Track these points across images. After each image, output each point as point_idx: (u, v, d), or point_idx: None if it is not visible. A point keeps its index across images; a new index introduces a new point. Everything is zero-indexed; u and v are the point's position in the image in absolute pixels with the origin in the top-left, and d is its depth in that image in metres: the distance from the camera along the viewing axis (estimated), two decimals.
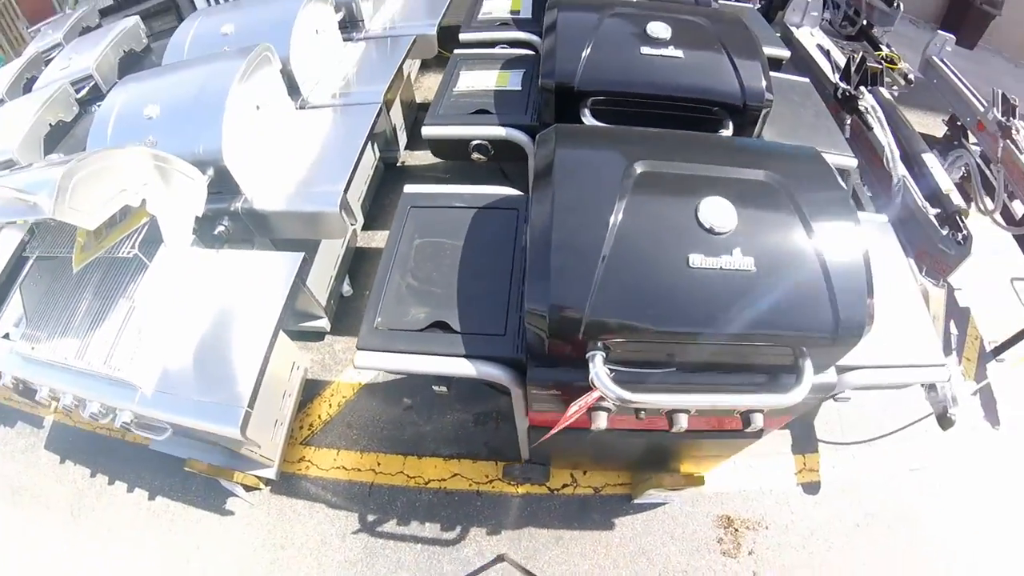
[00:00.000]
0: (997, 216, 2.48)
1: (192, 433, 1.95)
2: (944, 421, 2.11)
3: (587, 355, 1.16)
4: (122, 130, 1.98)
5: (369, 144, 2.66)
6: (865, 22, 3.28)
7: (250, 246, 2.17)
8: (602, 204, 1.18)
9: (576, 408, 1.28)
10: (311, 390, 2.52)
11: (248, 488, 2.25)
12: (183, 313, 1.80)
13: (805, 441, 2.40)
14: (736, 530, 2.19)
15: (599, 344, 1.16)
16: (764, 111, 1.78)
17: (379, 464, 2.35)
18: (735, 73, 1.77)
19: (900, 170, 2.17)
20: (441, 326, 1.46)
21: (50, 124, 2.40)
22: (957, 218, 2.08)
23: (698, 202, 1.17)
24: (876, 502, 2.28)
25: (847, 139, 2.40)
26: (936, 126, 3.51)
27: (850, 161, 1.97)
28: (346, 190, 2.00)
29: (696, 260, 1.11)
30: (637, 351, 1.20)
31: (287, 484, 2.31)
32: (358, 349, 1.43)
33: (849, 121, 2.41)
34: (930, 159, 2.27)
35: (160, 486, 2.35)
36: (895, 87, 2.87)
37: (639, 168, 1.24)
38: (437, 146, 2.04)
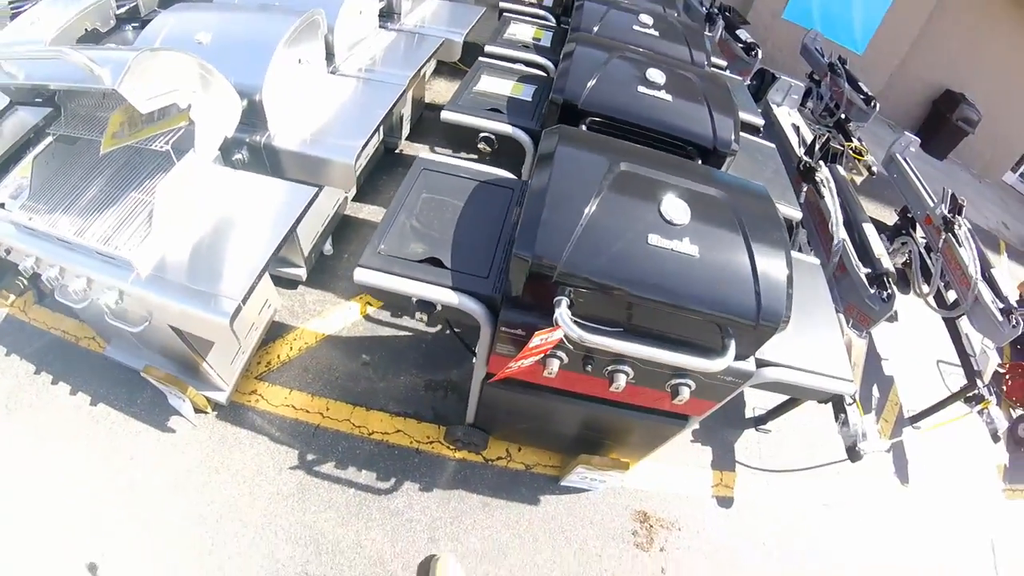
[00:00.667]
0: (931, 300, 2.96)
1: (157, 341, 2.07)
2: (853, 454, 2.46)
3: (555, 299, 1.45)
4: (171, 47, 2.17)
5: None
6: (843, 116, 3.89)
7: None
8: (588, 185, 1.51)
9: (539, 341, 1.51)
10: (275, 332, 2.66)
11: (196, 410, 2.34)
12: (194, 215, 1.95)
13: (724, 459, 2.70)
14: (651, 526, 2.42)
15: (567, 292, 1.45)
16: (729, 158, 2.17)
17: (328, 409, 2.48)
18: (711, 122, 2.16)
19: (841, 233, 2.61)
20: (434, 261, 1.70)
21: (86, 29, 2.53)
22: (885, 279, 2.51)
23: (662, 198, 1.51)
24: (785, 527, 2.57)
25: (801, 204, 2.87)
26: (889, 216, 4.18)
27: (795, 213, 2.38)
28: (363, 148, 2.25)
29: (654, 239, 1.44)
30: (596, 306, 1.48)
31: (234, 413, 2.40)
32: (359, 266, 1.64)
33: (805, 190, 2.87)
34: (869, 228, 2.74)
35: (105, 394, 2.39)
36: (857, 174, 3.42)
37: (621, 167, 1.58)
38: (452, 130, 2.34)
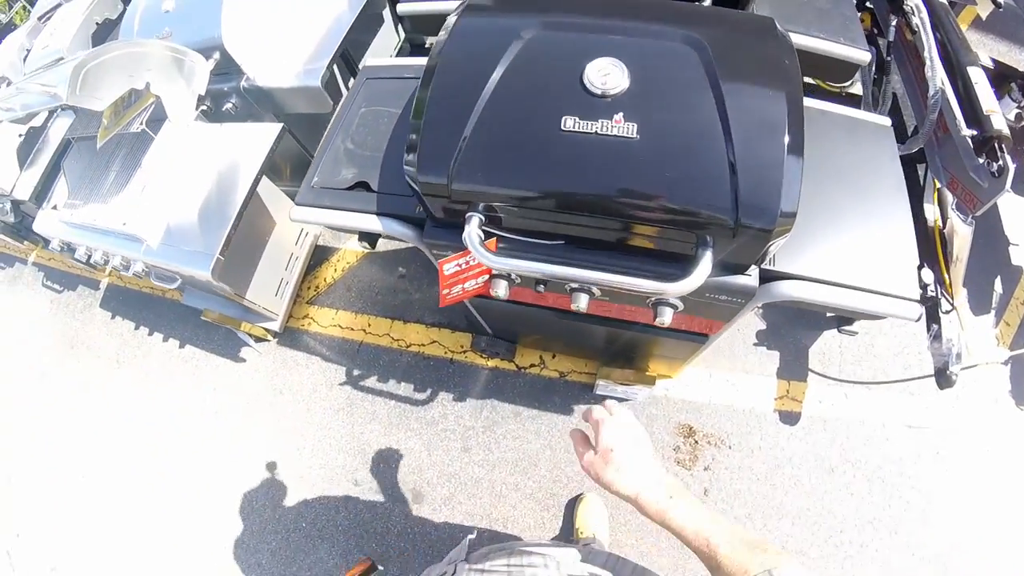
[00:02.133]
0: None
1: (204, 286, 2.33)
2: (943, 378, 1.92)
3: (465, 216, 1.22)
4: (145, 22, 2.29)
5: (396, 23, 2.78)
6: None
7: (261, 121, 2.42)
8: (484, 66, 1.18)
9: (455, 268, 1.36)
10: (320, 255, 2.85)
11: (258, 339, 2.67)
12: (183, 178, 2.11)
13: (794, 366, 2.31)
14: (696, 442, 2.23)
15: (478, 207, 1.21)
16: None
17: (369, 325, 2.65)
18: None
19: (939, 79, 1.87)
20: (364, 186, 1.60)
21: (96, 23, 2.72)
22: (996, 145, 1.78)
23: (586, 63, 1.11)
24: (861, 451, 2.17)
25: (892, 42, 2.10)
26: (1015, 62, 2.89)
27: (860, 54, 1.73)
28: (330, 67, 2.15)
29: (569, 123, 1.07)
30: (521, 219, 1.22)
31: (291, 337, 2.69)
32: (295, 204, 1.61)
33: (894, 23, 2.08)
34: (976, 74, 1.89)
35: (190, 337, 2.86)
36: (979, 5, 2.38)
37: (529, 32, 1.23)
38: (418, 23, 2.07)
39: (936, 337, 1.91)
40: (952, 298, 1.92)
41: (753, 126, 1.02)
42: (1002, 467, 2.12)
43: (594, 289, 1.42)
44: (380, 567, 1.46)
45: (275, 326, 2.59)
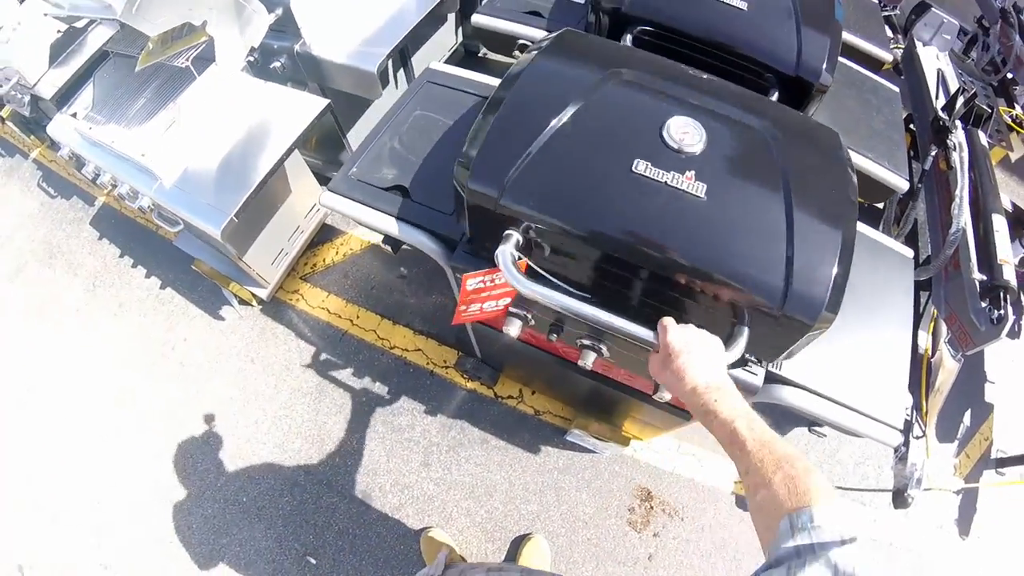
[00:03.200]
0: None
1: (205, 237, 2.28)
2: (900, 499, 2.01)
3: (504, 234, 1.17)
4: None
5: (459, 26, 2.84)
6: (1009, 75, 2.87)
7: (304, 88, 2.40)
8: (563, 93, 1.19)
9: (478, 284, 1.30)
10: (325, 235, 2.82)
11: (242, 302, 2.62)
12: (216, 126, 2.08)
13: None
14: (651, 507, 2.26)
15: (519, 227, 1.17)
16: (818, 91, 1.68)
17: (358, 317, 2.63)
18: (797, 39, 1.67)
19: (963, 218, 1.97)
20: (402, 190, 1.59)
21: None
22: (1001, 294, 1.88)
23: (668, 118, 1.13)
24: None
25: (927, 171, 2.19)
26: None
27: (899, 181, 1.81)
28: (389, 56, 2.14)
29: (641, 167, 1.08)
30: (562, 257, 1.20)
31: (276, 309, 2.65)
32: (327, 189, 1.59)
33: (934, 154, 2.18)
34: (999, 222, 2.02)
35: (173, 280, 2.79)
36: (1008, 148, 2.54)
37: (618, 74, 1.23)
38: (484, 36, 2.11)
39: (902, 459, 1.99)
40: (925, 426, 2.00)
41: (813, 224, 1.06)
42: None
43: (604, 349, 1.44)
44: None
45: (263, 293, 2.55)
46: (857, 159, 1.77)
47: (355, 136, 2.60)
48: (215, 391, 2.50)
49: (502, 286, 1.24)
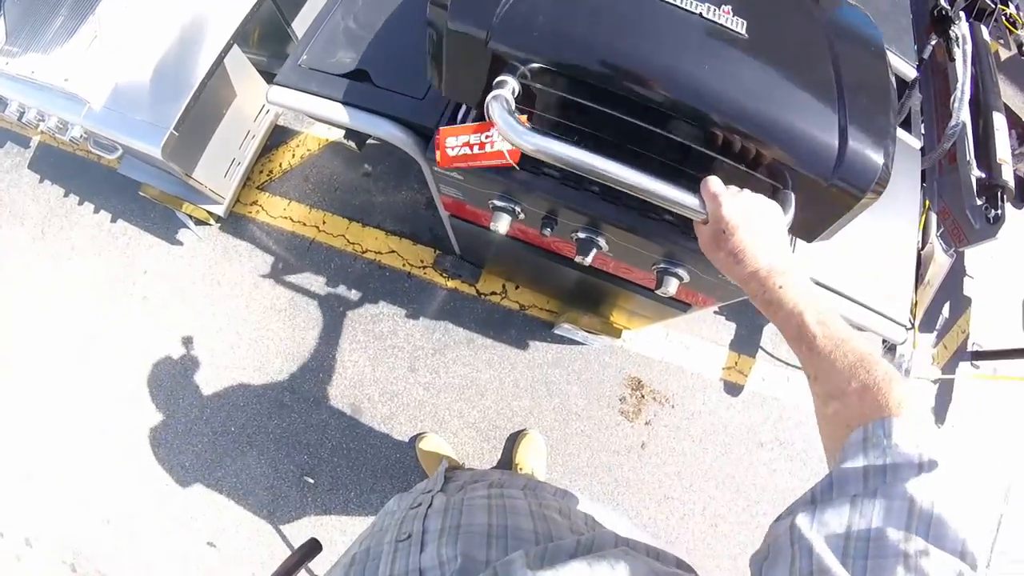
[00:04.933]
0: None
1: (148, 159, 2.04)
2: None
3: (495, 81, 0.92)
4: None
5: None
6: None
7: None
8: None
9: (456, 142, 1.08)
10: (278, 137, 2.59)
11: (199, 222, 2.43)
12: (143, 33, 1.82)
13: (747, 341, 2.39)
14: (642, 396, 2.27)
15: (515, 72, 0.92)
16: None
17: (324, 223, 2.48)
18: None
19: (963, 114, 1.87)
20: (363, 75, 1.39)
21: None
22: (999, 193, 1.84)
23: None
24: (791, 432, 2.30)
25: (924, 60, 2.06)
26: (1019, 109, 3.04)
27: (908, 69, 1.68)
28: None
29: None
30: (558, 108, 0.98)
31: (236, 224, 2.47)
32: (273, 83, 1.39)
33: (933, 44, 2.04)
34: (999, 120, 1.95)
35: (123, 210, 2.57)
36: (1004, 46, 2.44)
37: None
38: None
39: (891, 350, 2.00)
40: (913, 318, 2.01)
41: (863, 85, 0.90)
42: None
43: (603, 243, 1.33)
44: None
45: (220, 210, 2.36)
46: None
47: (301, 25, 2.32)
48: (185, 321, 2.38)
49: (490, 154, 1.04)
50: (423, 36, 1.06)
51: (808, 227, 0.99)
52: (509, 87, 0.90)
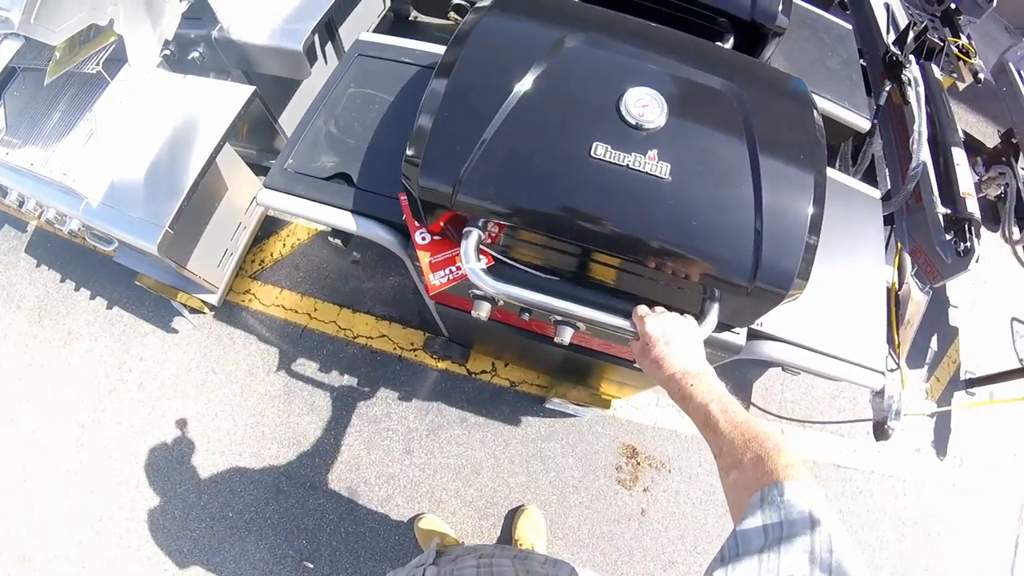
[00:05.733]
0: (1020, 249, 2.25)
1: (135, 248, 2.11)
2: (879, 431, 2.05)
3: (464, 230, 1.11)
4: None
5: None
6: (953, 4, 2.89)
7: (227, 77, 2.20)
8: (510, 72, 1.08)
9: (443, 279, 1.25)
10: (269, 227, 2.67)
11: (193, 311, 2.49)
12: (137, 131, 1.91)
13: (738, 398, 2.35)
14: (638, 463, 2.27)
15: (478, 223, 1.10)
16: (774, 35, 1.60)
17: (316, 310, 2.53)
18: None
19: (923, 153, 1.97)
20: (345, 178, 1.47)
21: None
22: (966, 226, 1.91)
23: (625, 90, 1.05)
24: None
25: (881, 107, 2.17)
26: (990, 136, 3.23)
27: (861, 121, 1.78)
28: (314, 31, 1.98)
29: (600, 151, 1.00)
30: (527, 246, 1.16)
31: (229, 313, 2.52)
32: (264, 186, 1.46)
33: (888, 89, 2.16)
34: (959, 155, 2.06)
35: (119, 298, 2.62)
36: (958, 78, 2.58)
37: (568, 43, 1.14)
38: None
39: (879, 393, 2.02)
40: (898, 358, 2.03)
41: (783, 190, 1.02)
42: (920, 511, 2.34)
43: (579, 324, 1.38)
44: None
45: (213, 299, 2.41)
46: (817, 102, 1.73)
47: (287, 120, 2.44)
48: (180, 408, 2.39)
49: (461, 275, 1.17)
50: (399, 139, 1.19)
51: (743, 318, 1.19)
52: (474, 237, 1.07)
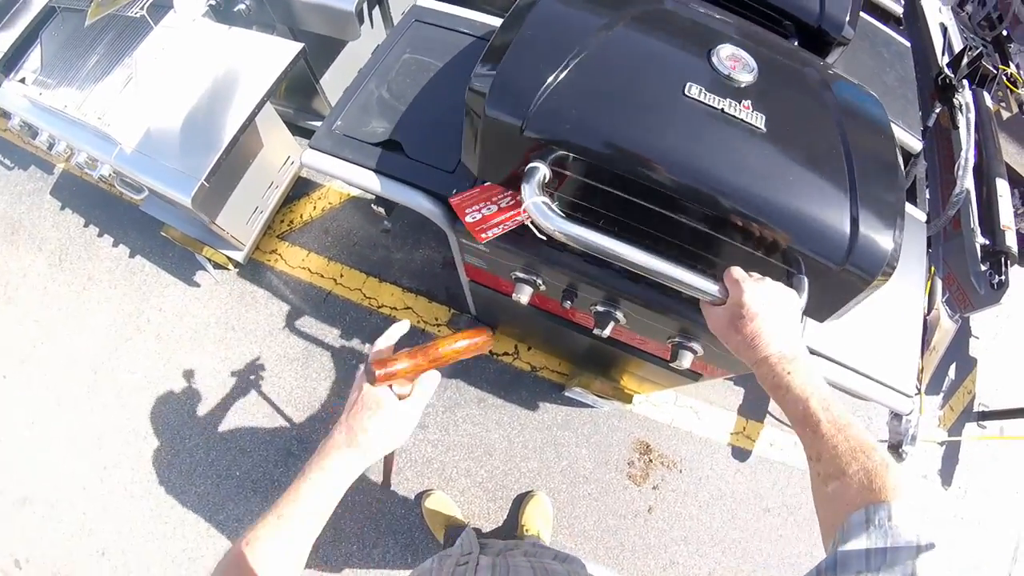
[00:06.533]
0: None
1: (168, 199, 2.08)
2: (894, 454, 2.04)
3: (527, 168, 0.98)
4: None
5: None
6: (1005, 32, 2.81)
7: (272, 32, 2.16)
8: (599, 9, 1.03)
9: (497, 212, 1.12)
10: (300, 188, 2.64)
11: (217, 266, 2.47)
12: (178, 80, 1.88)
13: (755, 407, 2.41)
14: (650, 460, 2.26)
15: (545, 159, 0.98)
16: (838, 44, 1.55)
17: (342, 275, 2.50)
18: None
19: (967, 181, 1.92)
20: (395, 145, 1.43)
21: None
22: (1002, 260, 1.87)
23: (717, 44, 1.00)
24: (798, 498, 2.30)
25: (928, 128, 2.12)
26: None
27: (914, 142, 1.73)
28: None
29: (695, 91, 0.94)
30: (584, 192, 1.03)
31: (254, 271, 2.50)
32: (309, 147, 1.42)
33: (937, 112, 2.11)
34: (1002, 186, 2.01)
35: (142, 247, 2.60)
36: (1005, 107, 2.51)
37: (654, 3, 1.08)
38: None
39: (897, 416, 2.00)
40: (920, 384, 2.01)
41: (873, 172, 0.96)
42: None
43: (620, 316, 1.36)
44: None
45: (239, 256, 2.38)
46: None
47: (328, 82, 2.40)
48: (196, 363, 2.38)
49: (507, 210, 1.09)
50: (455, 111, 1.13)
51: (820, 308, 1.05)
52: (539, 175, 0.95)
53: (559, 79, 0.95)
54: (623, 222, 1.05)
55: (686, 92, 0.94)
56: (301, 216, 2.59)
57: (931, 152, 2.26)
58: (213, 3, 1.98)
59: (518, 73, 0.97)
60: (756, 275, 0.85)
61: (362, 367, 0.73)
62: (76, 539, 2.19)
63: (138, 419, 2.31)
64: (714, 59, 0.98)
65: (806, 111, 1.01)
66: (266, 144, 2.27)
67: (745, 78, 0.97)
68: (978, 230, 1.99)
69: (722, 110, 0.94)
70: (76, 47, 1.93)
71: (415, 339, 2.38)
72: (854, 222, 0.91)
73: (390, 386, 0.73)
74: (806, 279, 0.94)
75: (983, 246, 1.97)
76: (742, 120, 0.94)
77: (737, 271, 0.85)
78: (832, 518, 0.60)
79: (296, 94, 2.44)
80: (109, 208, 2.67)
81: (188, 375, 2.35)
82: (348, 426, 0.71)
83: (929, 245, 2.20)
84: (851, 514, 0.55)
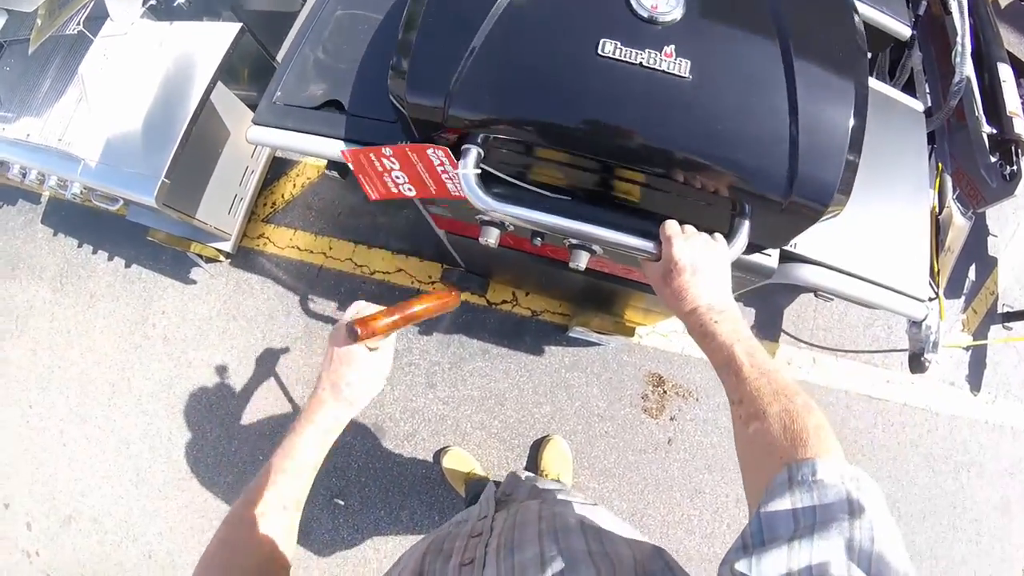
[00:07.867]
0: None
1: (137, 203, 2.09)
2: (915, 363, 1.96)
3: (462, 148, 1.00)
4: None
5: None
6: None
7: (218, 18, 2.10)
8: None
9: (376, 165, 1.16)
10: (278, 169, 2.62)
11: (209, 260, 2.48)
12: (126, 86, 1.87)
13: (768, 326, 2.34)
14: (664, 392, 2.23)
15: (477, 139, 0.99)
16: None
17: (331, 248, 2.50)
18: None
19: (966, 68, 1.75)
20: (336, 105, 1.38)
21: None
22: (1013, 148, 1.73)
23: None
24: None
25: (920, 17, 1.95)
26: None
27: (901, 28, 1.58)
28: None
29: (608, 47, 0.89)
30: (517, 160, 1.04)
31: (245, 259, 2.51)
32: (253, 123, 1.39)
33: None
34: (1005, 71, 1.85)
35: (135, 256, 2.63)
36: None
37: None
38: None
39: (915, 324, 1.91)
40: (937, 287, 1.91)
41: (821, 94, 0.89)
42: (950, 446, 2.28)
43: (596, 247, 1.30)
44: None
45: (227, 246, 2.39)
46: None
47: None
48: (205, 358, 2.43)
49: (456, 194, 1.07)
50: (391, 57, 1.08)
51: (777, 238, 1.07)
52: (473, 155, 0.96)
53: (473, 56, 0.92)
54: (567, 183, 1.06)
55: (600, 51, 0.88)
56: (283, 196, 2.58)
57: (926, 44, 2.09)
58: (152, 3, 1.94)
59: (432, 60, 0.95)
60: (690, 229, 0.86)
61: (333, 328, 0.76)
62: (123, 547, 2.29)
63: (160, 422, 2.38)
64: (633, 2, 0.90)
65: (741, 37, 0.92)
66: (233, 132, 2.25)
67: (670, 16, 0.90)
68: (983, 119, 1.85)
69: (640, 64, 0.88)
70: (29, 76, 1.96)
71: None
72: (793, 159, 0.86)
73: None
74: (747, 223, 0.92)
75: (991, 136, 1.83)
76: (664, 71, 0.87)
77: (671, 227, 0.86)
78: (754, 463, 0.60)
79: (258, 77, 2.38)
80: (97, 225, 2.70)
81: (200, 371, 2.40)
82: (331, 382, 0.75)
83: (934, 141, 2.08)
84: (775, 473, 0.53)
